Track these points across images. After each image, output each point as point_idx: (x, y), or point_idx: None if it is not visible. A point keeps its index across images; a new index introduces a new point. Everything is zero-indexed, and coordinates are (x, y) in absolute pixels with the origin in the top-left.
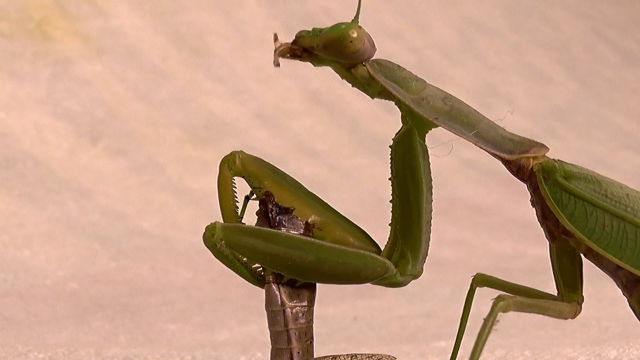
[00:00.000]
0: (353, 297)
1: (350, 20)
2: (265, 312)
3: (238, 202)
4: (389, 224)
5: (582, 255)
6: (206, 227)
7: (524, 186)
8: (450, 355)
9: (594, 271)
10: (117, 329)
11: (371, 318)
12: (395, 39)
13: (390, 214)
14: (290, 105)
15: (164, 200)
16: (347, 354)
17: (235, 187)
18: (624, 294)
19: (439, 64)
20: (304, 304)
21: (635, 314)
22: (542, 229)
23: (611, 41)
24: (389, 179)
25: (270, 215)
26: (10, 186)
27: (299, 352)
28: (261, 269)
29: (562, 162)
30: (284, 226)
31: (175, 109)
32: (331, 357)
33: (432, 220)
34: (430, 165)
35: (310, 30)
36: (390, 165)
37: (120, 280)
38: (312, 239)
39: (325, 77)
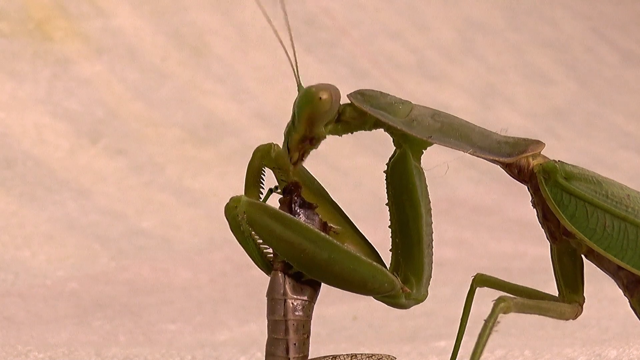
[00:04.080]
0: (353, 297)
1: (298, 87)
2: (266, 299)
3: (262, 193)
4: (390, 250)
5: (583, 256)
6: (231, 198)
7: (523, 186)
8: (450, 355)
9: (594, 271)
10: (117, 329)
11: (371, 318)
12: (395, 39)
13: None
14: (290, 105)
15: (164, 200)
16: (347, 354)
17: (264, 177)
18: (625, 295)
19: (439, 64)
20: (305, 298)
21: (637, 315)
22: (542, 229)
23: (611, 41)
24: (386, 204)
25: (292, 205)
26: (10, 186)
27: (295, 344)
28: (272, 255)
29: (563, 163)
30: (303, 219)
31: (175, 109)
32: (331, 357)
33: (432, 242)
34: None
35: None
36: (386, 190)
37: (120, 280)
38: (330, 238)
39: (325, 76)
